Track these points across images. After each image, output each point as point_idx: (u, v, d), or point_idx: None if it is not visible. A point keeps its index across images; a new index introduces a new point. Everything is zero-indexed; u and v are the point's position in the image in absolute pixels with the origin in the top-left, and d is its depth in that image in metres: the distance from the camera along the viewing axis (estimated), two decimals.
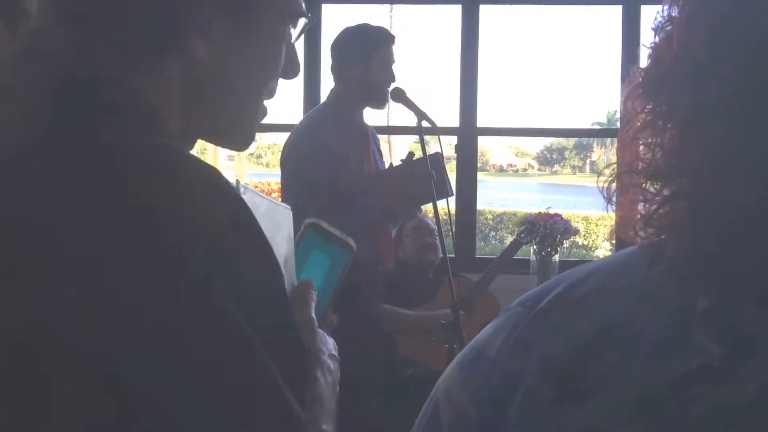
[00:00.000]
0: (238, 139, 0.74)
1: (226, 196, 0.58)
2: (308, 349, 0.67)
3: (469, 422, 0.49)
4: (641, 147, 0.47)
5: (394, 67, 2.56)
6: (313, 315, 0.75)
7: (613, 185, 0.50)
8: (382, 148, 2.78)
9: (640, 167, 0.47)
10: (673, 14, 0.47)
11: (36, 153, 0.56)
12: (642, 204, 0.47)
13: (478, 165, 3.61)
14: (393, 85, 2.54)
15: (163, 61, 0.64)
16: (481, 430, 0.48)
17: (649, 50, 0.47)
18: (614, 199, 0.50)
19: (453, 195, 2.66)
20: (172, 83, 0.65)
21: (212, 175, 0.59)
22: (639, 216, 0.47)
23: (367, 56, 2.51)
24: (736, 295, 0.42)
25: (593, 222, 6.66)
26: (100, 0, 0.64)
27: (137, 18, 0.63)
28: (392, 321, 2.74)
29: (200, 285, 0.53)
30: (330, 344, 0.75)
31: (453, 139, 3.34)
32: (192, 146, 0.72)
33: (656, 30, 0.47)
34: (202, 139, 0.74)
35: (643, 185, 0.47)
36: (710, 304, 0.43)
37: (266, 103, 0.74)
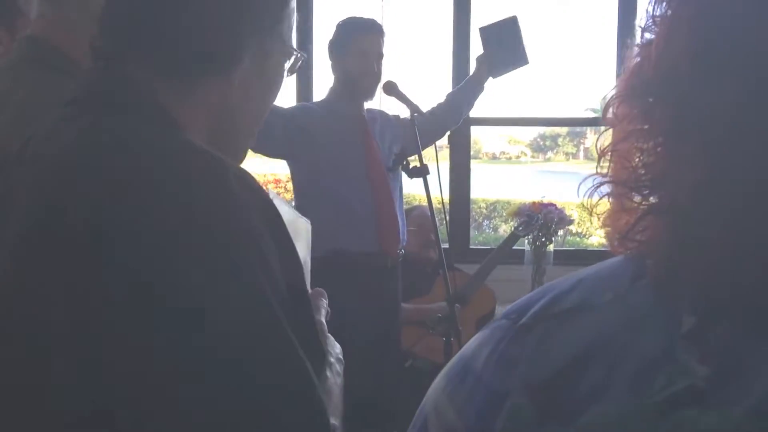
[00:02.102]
0: (236, 155, 0.79)
1: (262, 202, 0.62)
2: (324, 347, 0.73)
3: None
4: (623, 157, 0.46)
5: (384, 61, 2.55)
6: (323, 320, 0.79)
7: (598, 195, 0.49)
8: None
9: (621, 177, 0.46)
10: (657, 14, 0.45)
11: (93, 154, 0.61)
12: (625, 215, 0.46)
13: (471, 153, 3.59)
14: (384, 79, 2.53)
15: (202, 87, 0.71)
16: None
17: (634, 53, 0.46)
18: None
19: (528, 63, 2.77)
20: (201, 107, 0.71)
21: (251, 182, 0.63)
22: (621, 229, 0.46)
23: (342, 49, 2.54)
24: (723, 314, 0.40)
25: (587, 210, 6.64)
26: (158, 29, 0.68)
27: (190, 46, 0.69)
28: None
29: (245, 281, 0.57)
30: (337, 349, 0.79)
31: None
32: None
33: (642, 31, 0.46)
34: None
35: (625, 196, 0.46)
36: (696, 323, 0.41)
37: None
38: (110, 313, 0.55)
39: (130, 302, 0.55)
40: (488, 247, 3.35)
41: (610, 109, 0.47)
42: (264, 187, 0.66)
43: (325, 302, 0.83)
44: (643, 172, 0.45)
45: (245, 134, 0.78)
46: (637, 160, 0.45)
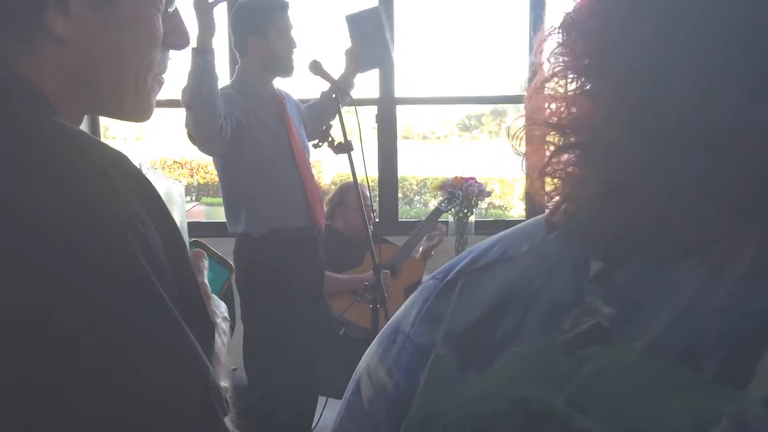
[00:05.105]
0: (130, 114, 0.71)
1: (135, 178, 0.58)
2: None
3: (385, 395, 0.48)
4: (549, 96, 0.44)
5: (293, 33, 2.50)
6: (206, 281, 0.77)
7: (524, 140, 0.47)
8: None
9: (546, 117, 0.44)
10: None
11: None
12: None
13: (403, 133, 3.61)
14: (310, 58, 2.51)
15: (32, 43, 0.62)
16: (396, 401, 0.47)
17: None
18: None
19: (393, 63, 2.68)
20: (47, 65, 0.63)
21: (121, 158, 0.58)
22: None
23: (264, 27, 2.45)
24: (627, 256, 0.41)
25: (508, 184, 6.84)
26: None
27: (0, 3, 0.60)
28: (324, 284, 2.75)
29: (116, 256, 0.53)
30: (222, 308, 0.77)
31: (374, 109, 3.34)
32: (79, 125, 0.68)
33: None
34: (95, 114, 0.72)
35: (548, 137, 0.45)
36: (603, 266, 0.41)
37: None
38: None
39: None
40: (416, 220, 3.40)
41: (539, 52, 0.45)
42: (138, 165, 0.62)
43: (205, 262, 0.80)
44: (564, 111, 0.43)
45: (117, 90, 0.67)
46: (559, 100, 0.44)
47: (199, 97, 2.19)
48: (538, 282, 0.43)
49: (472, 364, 0.43)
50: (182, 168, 7.12)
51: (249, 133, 2.41)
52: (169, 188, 0.78)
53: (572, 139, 0.43)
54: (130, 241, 0.53)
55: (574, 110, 0.43)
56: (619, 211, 0.41)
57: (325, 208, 2.80)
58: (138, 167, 0.60)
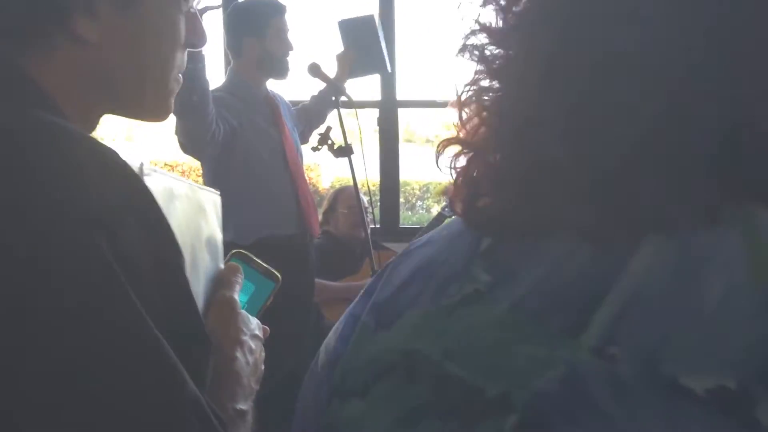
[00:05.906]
0: (150, 113, 0.71)
1: (121, 177, 0.56)
2: (207, 327, 0.64)
3: (329, 359, 0.54)
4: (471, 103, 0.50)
5: (290, 36, 2.48)
6: (236, 297, 0.75)
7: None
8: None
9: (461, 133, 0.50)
10: None
11: None
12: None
13: (406, 136, 3.55)
14: (305, 60, 2.47)
15: (51, 44, 0.62)
16: (332, 362, 0.53)
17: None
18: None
19: (389, 71, 2.64)
20: (65, 67, 0.63)
21: (108, 155, 0.56)
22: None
23: (262, 29, 2.42)
24: (509, 234, 0.48)
25: None
26: None
27: (20, 2, 0.61)
28: (318, 292, 2.68)
29: (92, 264, 0.51)
30: (253, 324, 0.75)
31: (375, 112, 3.27)
32: (94, 127, 0.69)
33: None
34: (112, 114, 0.70)
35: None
36: (490, 243, 0.48)
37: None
38: None
39: None
40: (418, 226, 3.33)
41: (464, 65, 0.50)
42: (132, 165, 0.58)
43: (240, 278, 0.77)
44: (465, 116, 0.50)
45: (138, 91, 0.67)
46: (475, 115, 0.50)
47: (189, 106, 2.12)
48: (441, 258, 0.51)
49: (383, 326, 0.50)
50: (173, 171, 7.07)
51: (242, 136, 2.36)
52: (194, 195, 0.75)
53: (464, 139, 0.50)
54: (95, 240, 0.51)
55: (467, 111, 0.50)
56: (499, 200, 0.48)
57: (320, 215, 2.73)
58: (130, 168, 0.58)
